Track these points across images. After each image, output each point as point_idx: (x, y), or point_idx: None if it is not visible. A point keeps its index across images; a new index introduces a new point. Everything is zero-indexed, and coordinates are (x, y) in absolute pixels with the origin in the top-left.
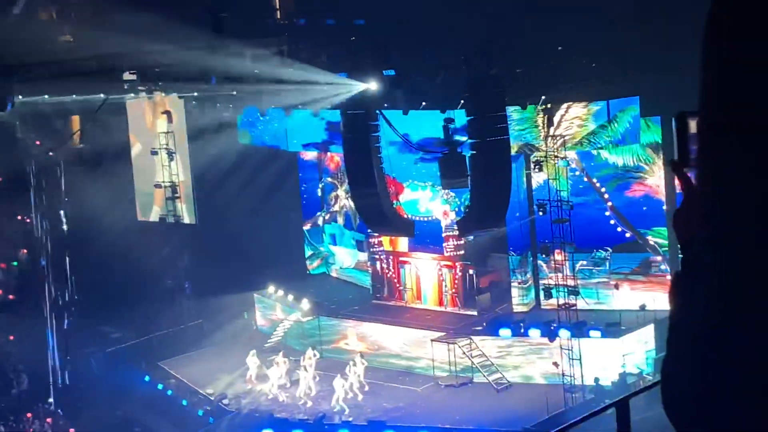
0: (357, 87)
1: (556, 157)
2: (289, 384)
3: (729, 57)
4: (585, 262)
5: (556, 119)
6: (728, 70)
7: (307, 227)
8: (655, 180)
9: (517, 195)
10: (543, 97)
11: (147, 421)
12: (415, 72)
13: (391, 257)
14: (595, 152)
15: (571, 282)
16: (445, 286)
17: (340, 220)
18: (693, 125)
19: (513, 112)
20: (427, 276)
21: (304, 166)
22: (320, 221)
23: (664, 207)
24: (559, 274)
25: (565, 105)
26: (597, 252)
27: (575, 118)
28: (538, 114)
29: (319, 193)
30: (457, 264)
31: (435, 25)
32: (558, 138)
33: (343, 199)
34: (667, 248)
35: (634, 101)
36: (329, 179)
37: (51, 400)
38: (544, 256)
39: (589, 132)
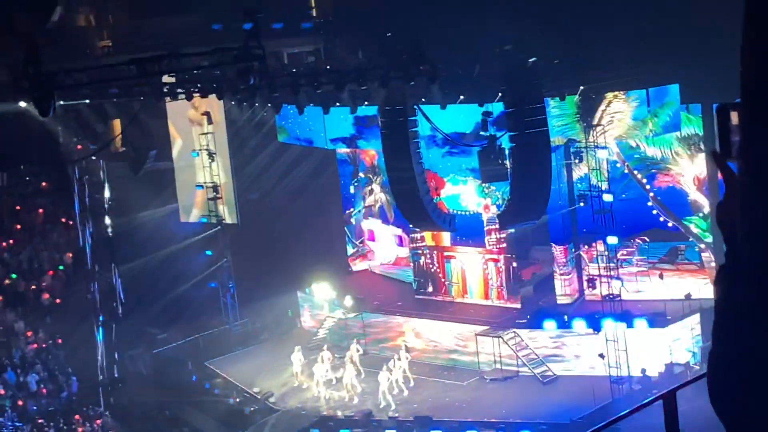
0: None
1: (597, 148)
2: (335, 381)
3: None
4: (625, 252)
5: (597, 114)
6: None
7: (349, 224)
8: (679, 170)
9: (558, 186)
10: (581, 87)
11: (194, 420)
12: (452, 66)
13: (435, 252)
14: (633, 143)
15: (614, 272)
16: (491, 279)
17: (376, 214)
18: (734, 117)
19: (552, 104)
20: (472, 270)
21: (341, 162)
22: (355, 217)
23: (689, 197)
24: (602, 265)
25: (605, 100)
26: (631, 241)
27: (616, 112)
28: (577, 105)
29: (352, 190)
30: (500, 257)
31: (470, 17)
32: (599, 129)
33: (378, 194)
34: (706, 236)
35: (674, 93)
36: (362, 174)
37: (101, 402)
38: (586, 247)
39: (629, 127)
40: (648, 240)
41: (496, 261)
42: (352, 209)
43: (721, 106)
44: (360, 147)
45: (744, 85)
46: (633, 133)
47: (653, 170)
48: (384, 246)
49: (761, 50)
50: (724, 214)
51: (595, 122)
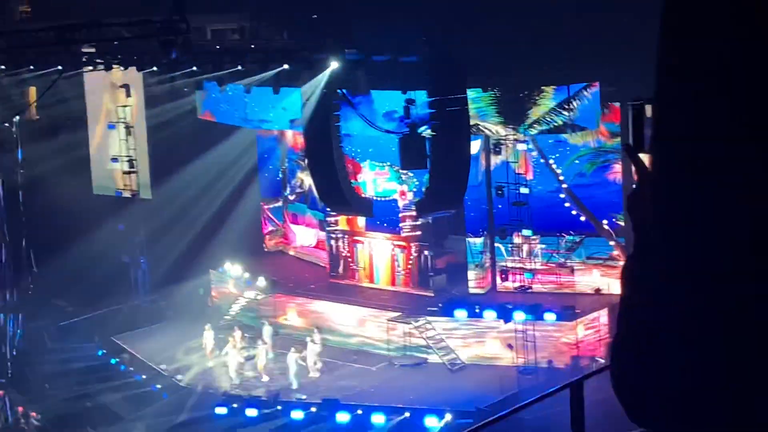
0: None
1: (516, 140)
2: (244, 361)
3: (680, 47)
4: (544, 246)
5: (518, 106)
6: (679, 60)
7: (270, 206)
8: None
9: (475, 177)
10: (504, 80)
11: (99, 395)
12: (377, 52)
13: (346, 236)
14: (564, 137)
15: (527, 265)
16: (398, 266)
17: (306, 200)
18: (648, 111)
19: (474, 95)
20: (379, 256)
21: (264, 143)
22: (284, 201)
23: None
24: (516, 257)
25: (527, 92)
26: (569, 236)
27: (534, 96)
28: (498, 97)
29: (280, 175)
30: (411, 244)
31: (396, 4)
32: (516, 116)
33: (307, 178)
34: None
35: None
36: (293, 160)
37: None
38: (501, 238)
39: (547, 110)
40: (564, 235)
41: (405, 248)
42: (280, 193)
43: (635, 100)
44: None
45: (657, 80)
46: (549, 118)
47: (606, 161)
48: (305, 230)
49: (672, 47)
50: (634, 204)
51: (514, 111)
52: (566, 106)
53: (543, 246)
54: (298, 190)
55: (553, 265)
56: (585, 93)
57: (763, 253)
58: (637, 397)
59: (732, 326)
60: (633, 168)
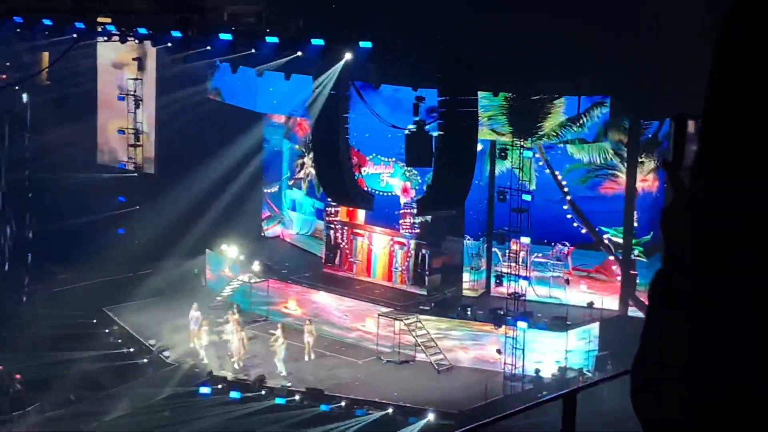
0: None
1: (522, 146)
2: (234, 343)
3: (738, 66)
4: (541, 255)
5: (527, 114)
6: (735, 80)
7: (270, 191)
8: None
9: (480, 180)
10: (515, 86)
11: (84, 364)
12: (391, 47)
13: (346, 228)
14: (563, 145)
15: (523, 272)
16: (396, 262)
17: (304, 186)
18: (691, 127)
19: (483, 98)
20: (378, 250)
21: (272, 128)
22: (284, 186)
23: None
24: (513, 263)
25: (538, 101)
26: (559, 246)
27: (545, 108)
28: (508, 102)
29: (282, 160)
30: (410, 242)
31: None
32: (526, 127)
33: (308, 167)
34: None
35: (605, 101)
36: (297, 146)
37: None
38: (499, 243)
39: (557, 124)
40: (564, 245)
41: (403, 245)
42: (284, 178)
43: (679, 116)
44: (300, 117)
45: (708, 97)
46: (559, 131)
47: (600, 176)
48: (304, 216)
49: (730, 65)
50: (669, 220)
51: (524, 121)
52: (576, 122)
53: (539, 254)
54: (297, 176)
55: (548, 275)
56: (595, 111)
57: None
58: (656, 412)
59: (762, 348)
60: (669, 184)
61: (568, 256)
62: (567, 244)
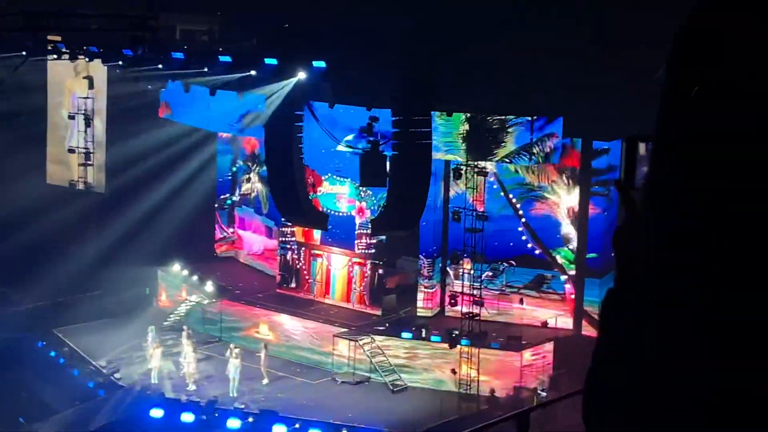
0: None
1: (476, 168)
2: (185, 365)
3: (688, 84)
4: (490, 273)
5: (479, 133)
6: (686, 98)
7: (222, 209)
8: (556, 200)
9: (434, 201)
10: (470, 106)
11: (35, 387)
12: (346, 66)
13: (302, 249)
14: (513, 168)
15: (476, 292)
16: (355, 282)
17: (251, 203)
18: (642, 149)
19: (439, 120)
20: (336, 271)
21: (220, 144)
22: (230, 203)
23: (561, 229)
24: (466, 283)
25: (491, 122)
26: (500, 264)
27: (498, 133)
28: (462, 123)
29: (230, 176)
30: (367, 262)
31: (370, 21)
32: (479, 150)
33: (255, 183)
34: (571, 267)
35: (557, 125)
36: (241, 161)
37: None
38: (453, 263)
39: (510, 152)
40: (515, 264)
41: (362, 265)
42: (227, 195)
43: (630, 137)
44: (248, 135)
45: (661, 115)
46: (512, 158)
47: (531, 197)
48: (253, 236)
49: (673, 91)
50: (621, 239)
51: (476, 140)
52: (528, 150)
53: (488, 273)
54: (243, 193)
55: (502, 293)
56: (547, 140)
57: (751, 288)
58: (607, 430)
59: (718, 357)
60: (621, 203)
61: (502, 274)
62: (513, 262)
